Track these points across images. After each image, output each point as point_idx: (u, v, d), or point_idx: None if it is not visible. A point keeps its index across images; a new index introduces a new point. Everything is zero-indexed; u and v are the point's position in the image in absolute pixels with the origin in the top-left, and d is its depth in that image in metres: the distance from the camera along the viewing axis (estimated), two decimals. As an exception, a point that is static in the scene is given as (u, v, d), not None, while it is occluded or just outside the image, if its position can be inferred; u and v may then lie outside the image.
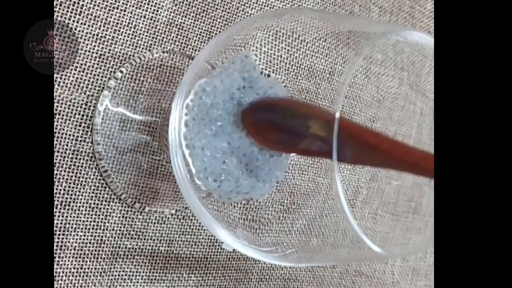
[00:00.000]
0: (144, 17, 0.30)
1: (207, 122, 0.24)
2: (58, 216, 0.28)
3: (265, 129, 0.25)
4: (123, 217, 0.30)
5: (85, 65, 0.29)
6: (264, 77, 0.25)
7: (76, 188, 0.28)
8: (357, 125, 0.22)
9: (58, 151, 0.28)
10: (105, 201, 0.29)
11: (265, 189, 0.25)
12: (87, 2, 0.29)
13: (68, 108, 0.28)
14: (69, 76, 0.28)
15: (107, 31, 0.29)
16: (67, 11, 0.28)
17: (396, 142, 0.20)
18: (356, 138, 0.21)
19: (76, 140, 0.28)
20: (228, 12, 0.34)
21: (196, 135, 0.23)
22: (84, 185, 0.29)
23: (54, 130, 0.28)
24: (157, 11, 0.31)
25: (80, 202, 0.29)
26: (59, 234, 0.28)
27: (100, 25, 0.29)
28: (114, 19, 0.29)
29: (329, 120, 0.20)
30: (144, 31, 0.31)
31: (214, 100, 0.24)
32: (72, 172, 0.28)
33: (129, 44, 0.30)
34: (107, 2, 0.29)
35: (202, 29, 0.33)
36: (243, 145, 0.25)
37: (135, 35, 0.30)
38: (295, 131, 0.24)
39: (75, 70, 0.28)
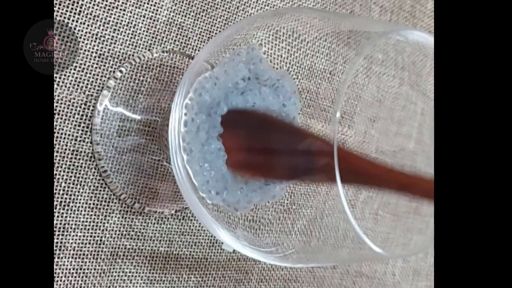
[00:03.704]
0: (144, 16, 0.30)
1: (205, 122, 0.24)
2: (58, 216, 0.28)
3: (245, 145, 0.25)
4: (122, 217, 0.30)
5: (85, 65, 0.29)
6: (272, 69, 0.25)
7: (76, 188, 0.28)
8: (356, 156, 0.23)
9: (57, 151, 0.28)
10: (105, 201, 0.29)
11: (276, 191, 0.25)
12: (87, 2, 0.28)
13: (68, 108, 0.28)
14: (69, 76, 0.28)
15: (106, 30, 0.29)
16: (67, 11, 0.28)
17: (393, 170, 0.21)
18: (355, 170, 0.21)
19: (76, 140, 0.28)
20: (228, 12, 0.33)
21: (193, 139, 0.23)
22: (84, 185, 0.29)
23: (54, 130, 0.28)
24: (157, 10, 0.31)
25: (80, 202, 0.29)
26: (58, 235, 0.28)
27: (100, 25, 0.29)
28: (114, 18, 0.29)
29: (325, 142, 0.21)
30: (143, 31, 0.30)
31: (217, 93, 0.24)
32: (72, 172, 0.28)
33: (129, 44, 0.30)
34: (107, 1, 0.29)
35: (202, 28, 0.33)
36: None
37: (135, 35, 0.30)
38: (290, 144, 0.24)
39: (75, 70, 0.28)
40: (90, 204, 0.29)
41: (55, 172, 0.28)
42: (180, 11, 0.32)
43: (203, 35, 0.33)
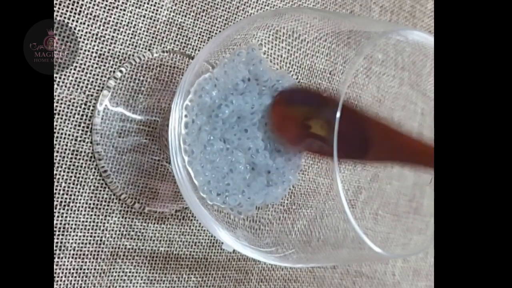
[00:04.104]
0: (144, 16, 0.30)
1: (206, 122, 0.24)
2: (58, 217, 0.28)
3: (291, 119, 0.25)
4: (122, 217, 0.30)
5: (85, 65, 0.29)
6: (272, 69, 0.25)
7: (76, 188, 0.28)
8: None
9: (57, 151, 0.28)
10: (105, 201, 0.29)
11: (278, 193, 0.25)
12: (87, 2, 0.28)
13: (68, 108, 0.28)
14: (69, 76, 0.28)
15: (106, 30, 0.29)
16: (67, 11, 0.28)
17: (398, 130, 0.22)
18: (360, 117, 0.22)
19: (76, 140, 0.28)
20: (228, 12, 0.33)
21: (194, 141, 0.23)
22: (84, 185, 0.29)
23: (54, 130, 0.28)
24: (157, 10, 0.31)
25: (80, 202, 0.29)
26: (58, 235, 0.28)
27: (100, 25, 0.29)
28: (114, 18, 0.29)
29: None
30: (144, 31, 0.30)
31: (217, 95, 0.23)
32: (72, 172, 0.28)
33: (129, 44, 0.30)
34: (107, 1, 0.29)
35: (202, 28, 0.33)
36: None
37: (135, 35, 0.30)
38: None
39: (75, 70, 0.28)
40: (90, 204, 0.29)
41: (55, 172, 0.28)
42: (180, 11, 0.32)
43: (203, 35, 0.33)
